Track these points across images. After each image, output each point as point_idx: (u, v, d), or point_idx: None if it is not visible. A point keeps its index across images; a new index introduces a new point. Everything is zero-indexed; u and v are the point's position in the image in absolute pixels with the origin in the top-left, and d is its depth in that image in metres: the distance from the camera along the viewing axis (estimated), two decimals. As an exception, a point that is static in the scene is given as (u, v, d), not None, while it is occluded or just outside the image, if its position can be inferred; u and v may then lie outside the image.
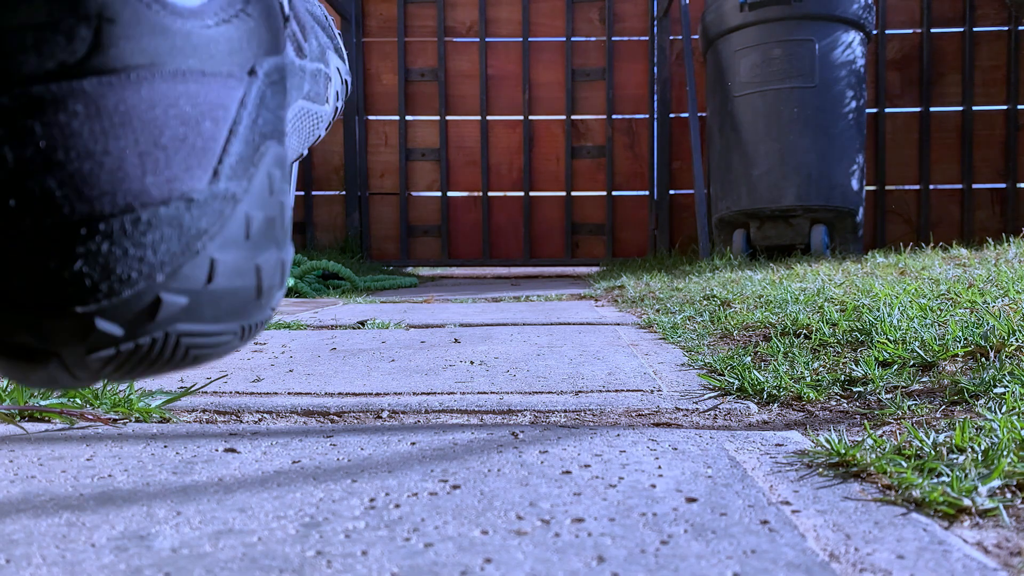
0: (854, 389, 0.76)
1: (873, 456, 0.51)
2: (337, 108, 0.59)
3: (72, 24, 0.28)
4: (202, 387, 0.79)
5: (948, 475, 0.47)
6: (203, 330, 0.32)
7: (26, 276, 0.29)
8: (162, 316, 0.31)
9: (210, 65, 0.32)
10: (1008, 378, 0.70)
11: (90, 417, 0.65)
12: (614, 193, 3.92)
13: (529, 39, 3.91)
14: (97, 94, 0.28)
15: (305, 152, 0.54)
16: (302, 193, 3.96)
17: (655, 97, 3.86)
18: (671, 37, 3.83)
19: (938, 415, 0.65)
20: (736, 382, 0.79)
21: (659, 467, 0.52)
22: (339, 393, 0.80)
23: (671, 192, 3.88)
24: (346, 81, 0.59)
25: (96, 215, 0.29)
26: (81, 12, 0.27)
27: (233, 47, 0.34)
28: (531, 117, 3.92)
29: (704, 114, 3.58)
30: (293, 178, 0.39)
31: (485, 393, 0.80)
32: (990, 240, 2.44)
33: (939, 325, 0.96)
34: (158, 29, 0.30)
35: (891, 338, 0.91)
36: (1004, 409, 0.61)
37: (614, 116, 3.90)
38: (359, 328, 1.44)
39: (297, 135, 0.48)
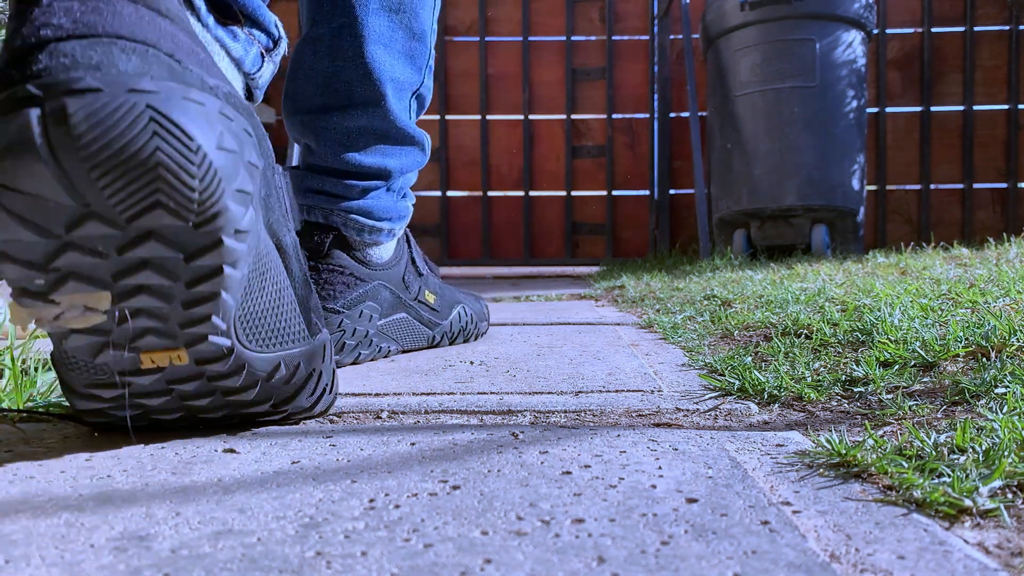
0: (855, 389, 0.75)
1: (874, 456, 0.51)
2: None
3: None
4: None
5: (949, 475, 0.47)
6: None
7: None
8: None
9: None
10: (1009, 378, 0.70)
11: (89, 417, 0.65)
12: (614, 193, 3.92)
13: (529, 38, 3.91)
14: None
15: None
16: (302, 193, 3.95)
17: (655, 96, 3.86)
18: (671, 36, 3.83)
19: (939, 415, 0.64)
20: (737, 382, 0.79)
21: (659, 468, 0.52)
22: (338, 393, 0.80)
23: (671, 192, 3.87)
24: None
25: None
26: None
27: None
28: (531, 116, 3.92)
29: (704, 113, 3.58)
30: None
31: (485, 393, 0.80)
32: (991, 240, 2.44)
33: (940, 325, 0.96)
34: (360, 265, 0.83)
35: (892, 338, 0.91)
36: (1005, 409, 0.61)
37: (614, 116, 3.89)
38: (359, 328, 1.44)
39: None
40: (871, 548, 0.38)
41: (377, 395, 0.79)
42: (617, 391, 0.80)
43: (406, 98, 1.00)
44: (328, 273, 0.92)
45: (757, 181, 2.95)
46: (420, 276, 1.07)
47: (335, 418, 0.71)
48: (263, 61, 0.55)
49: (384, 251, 1.01)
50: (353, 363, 0.96)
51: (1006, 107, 3.74)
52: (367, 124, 0.96)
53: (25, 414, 0.67)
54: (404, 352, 1.06)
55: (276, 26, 0.57)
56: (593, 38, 3.92)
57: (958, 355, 0.82)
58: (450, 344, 1.14)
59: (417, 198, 4.11)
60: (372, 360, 0.99)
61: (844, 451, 0.52)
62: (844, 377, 0.79)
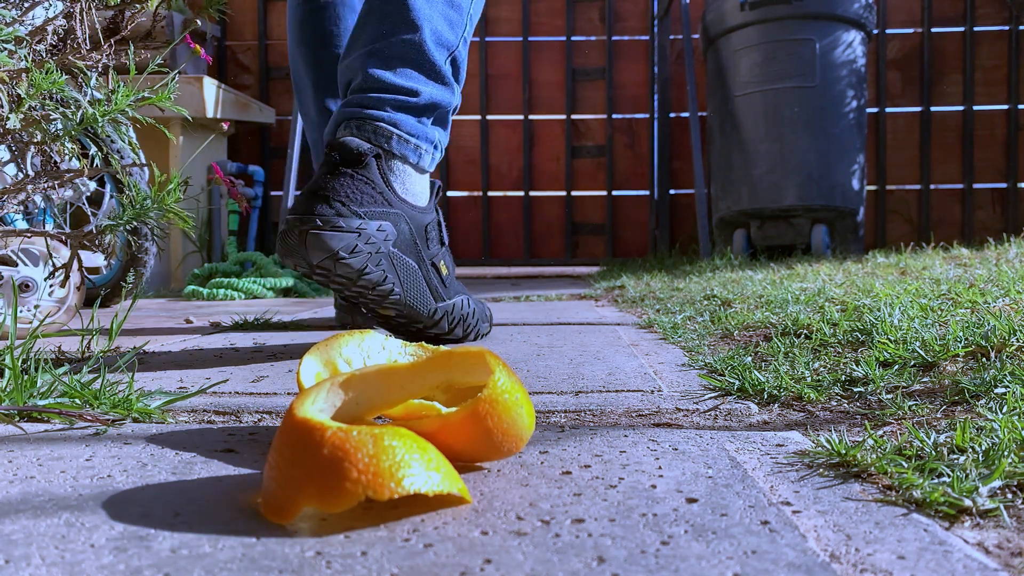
0: (855, 389, 0.75)
1: (874, 456, 0.51)
2: None
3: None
4: (204, 388, 0.79)
5: (949, 475, 0.47)
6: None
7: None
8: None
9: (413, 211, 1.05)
10: (1009, 378, 0.70)
11: (89, 418, 0.65)
12: (614, 193, 3.92)
13: (529, 38, 3.91)
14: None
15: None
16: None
17: (655, 97, 3.86)
18: (671, 36, 3.83)
19: (939, 415, 0.65)
20: (737, 382, 0.79)
21: (659, 467, 0.52)
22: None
23: (671, 192, 3.87)
24: None
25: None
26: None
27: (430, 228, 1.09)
28: (531, 116, 3.92)
29: (704, 114, 3.58)
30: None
31: (485, 393, 0.80)
32: (991, 240, 2.44)
33: (940, 325, 0.96)
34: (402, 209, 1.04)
35: (892, 338, 0.91)
36: (1005, 409, 0.61)
37: (614, 116, 3.89)
38: (359, 328, 1.44)
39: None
40: (871, 548, 0.38)
41: (377, 395, 0.79)
42: (617, 391, 0.80)
43: (444, 53, 1.08)
44: (359, 182, 0.97)
45: (757, 181, 2.95)
46: (442, 245, 1.12)
47: (335, 418, 0.71)
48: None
49: (416, 184, 1.06)
50: (360, 274, 0.97)
51: (1006, 107, 3.74)
52: (404, 53, 1.05)
53: (26, 413, 0.67)
54: (403, 316, 1.06)
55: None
56: (593, 38, 3.92)
57: (958, 355, 0.82)
58: (449, 330, 1.12)
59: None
60: (374, 294, 1.01)
61: (844, 451, 0.52)
62: (844, 377, 0.79)
